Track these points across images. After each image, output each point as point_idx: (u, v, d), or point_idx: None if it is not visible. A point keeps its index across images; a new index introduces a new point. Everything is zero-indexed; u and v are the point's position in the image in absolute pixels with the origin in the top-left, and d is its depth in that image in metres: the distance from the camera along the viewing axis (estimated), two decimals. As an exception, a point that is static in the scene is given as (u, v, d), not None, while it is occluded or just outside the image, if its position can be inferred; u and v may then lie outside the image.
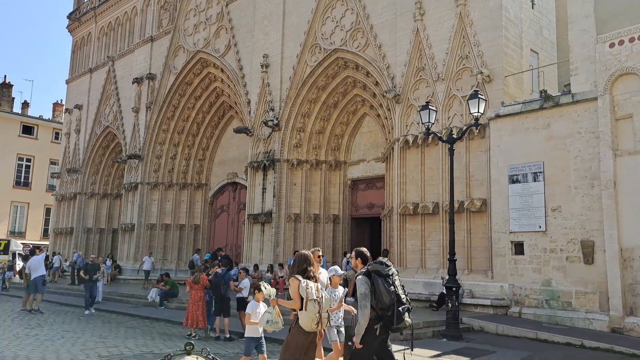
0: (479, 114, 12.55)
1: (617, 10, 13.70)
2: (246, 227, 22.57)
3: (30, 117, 44.87)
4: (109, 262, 25.76)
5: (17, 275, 25.37)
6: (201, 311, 12.06)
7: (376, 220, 20.33)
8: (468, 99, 13.18)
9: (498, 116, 14.98)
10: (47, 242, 37.15)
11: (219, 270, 12.46)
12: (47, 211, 42.36)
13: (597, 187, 12.86)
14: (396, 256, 16.83)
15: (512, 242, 14.31)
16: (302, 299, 5.72)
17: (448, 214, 13.66)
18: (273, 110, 21.94)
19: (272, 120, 21.57)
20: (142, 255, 26.21)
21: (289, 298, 6.09)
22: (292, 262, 6.14)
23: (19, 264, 25.94)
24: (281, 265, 19.90)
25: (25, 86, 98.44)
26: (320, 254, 8.25)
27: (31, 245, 33.91)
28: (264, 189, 21.97)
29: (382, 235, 18.79)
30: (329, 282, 7.74)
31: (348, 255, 18.73)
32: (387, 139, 19.42)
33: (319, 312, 5.72)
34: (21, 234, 42.00)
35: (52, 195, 36.73)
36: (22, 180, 43.12)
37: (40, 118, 45.22)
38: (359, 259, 6.25)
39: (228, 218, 27.13)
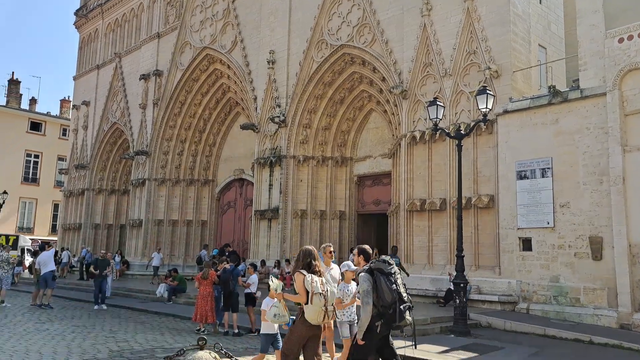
0: (487, 109, 12.51)
1: (626, 5, 13.62)
2: (253, 223, 22.64)
3: (38, 113, 45.16)
4: (117, 258, 25.97)
5: (26, 271, 25.60)
6: (210, 306, 12.14)
7: (382, 217, 20.34)
8: (476, 94, 13.14)
9: (506, 112, 14.93)
10: (55, 238, 37.42)
11: (227, 266, 12.55)
12: (55, 207, 42.68)
13: (605, 183, 12.81)
14: (403, 252, 16.86)
15: (519, 238, 14.28)
16: (307, 292, 5.81)
17: (455, 210, 13.68)
18: (279, 106, 21.96)
19: (278, 117, 21.59)
20: (150, 250, 26.38)
21: (295, 293, 6.17)
22: (296, 257, 6.21)
23: (28, 260, 26.18)
24: (288, 261, 19.97)
25: (32, 83, 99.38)
26: (332, 249, 8.28)
27: (40, 241, 34.20)
28: (270, 185, 22.02)
29: (389, 231, 18.80)
30: (340, 277, 7.73)
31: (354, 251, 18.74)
32: (393, 135, 19.40)
33: (324, 306, 5.81)
34: (29, 230, 42.35)
35: (60, 191, 36.98)
36: (30, 176, 43.42)
37: (48, 114, 45.47)
38: (362, 256, 6.29)
39: (235, 214, 27.23)
